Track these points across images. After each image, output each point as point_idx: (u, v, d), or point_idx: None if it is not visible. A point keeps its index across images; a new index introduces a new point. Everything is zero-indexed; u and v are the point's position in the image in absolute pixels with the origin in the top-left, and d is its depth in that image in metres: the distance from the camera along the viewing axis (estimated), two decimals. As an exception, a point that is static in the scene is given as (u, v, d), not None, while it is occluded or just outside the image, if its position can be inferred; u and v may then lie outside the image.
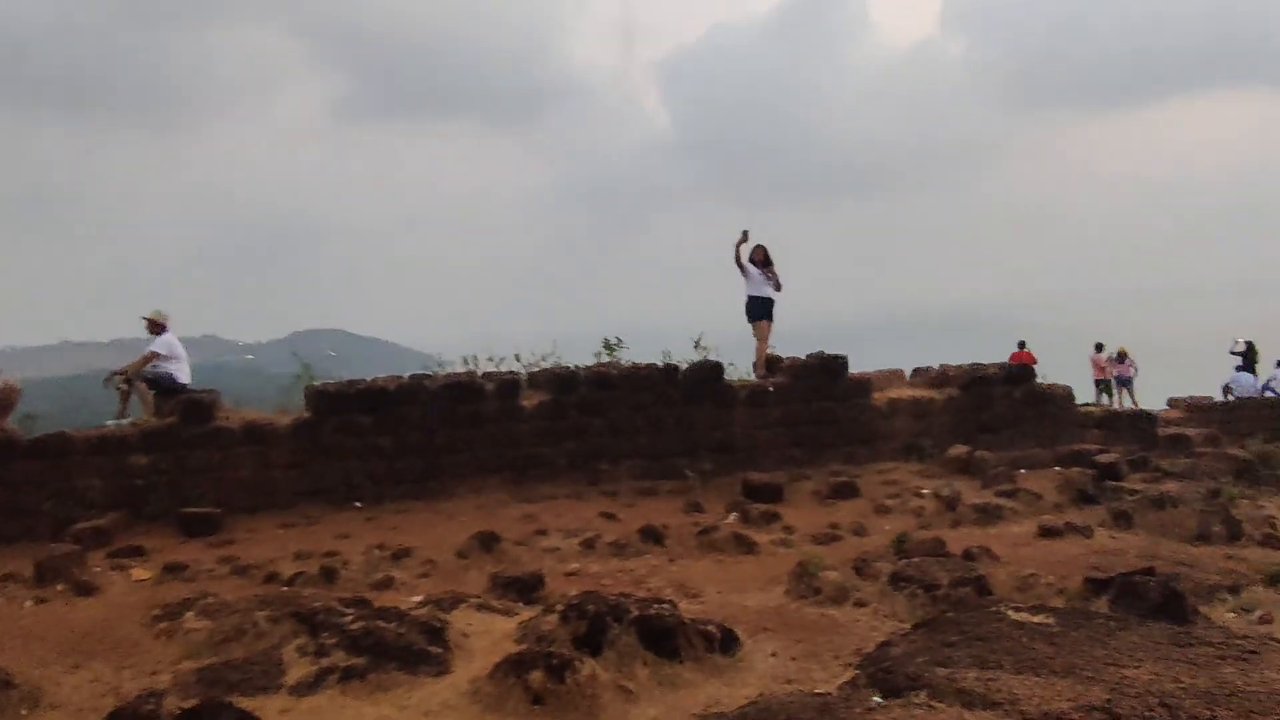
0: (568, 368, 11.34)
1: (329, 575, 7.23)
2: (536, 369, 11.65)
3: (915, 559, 6.99)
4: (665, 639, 4.92)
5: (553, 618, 5.19)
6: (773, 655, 5.24)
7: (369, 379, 10.83)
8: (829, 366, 11.53)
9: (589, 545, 8.04)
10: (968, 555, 7.15)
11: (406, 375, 10.99)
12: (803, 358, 11.73)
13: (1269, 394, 23.44)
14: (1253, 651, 3.90)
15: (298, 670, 4.86)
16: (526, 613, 5.70)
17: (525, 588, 6.62)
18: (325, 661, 4.86)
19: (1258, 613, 5.87)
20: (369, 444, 10.22)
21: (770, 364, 12.04)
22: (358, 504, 9.94)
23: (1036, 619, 4.94)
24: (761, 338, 12.12)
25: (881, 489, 10.01)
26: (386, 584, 7.06)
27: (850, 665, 5.01)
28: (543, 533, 8.55)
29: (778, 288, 12.22)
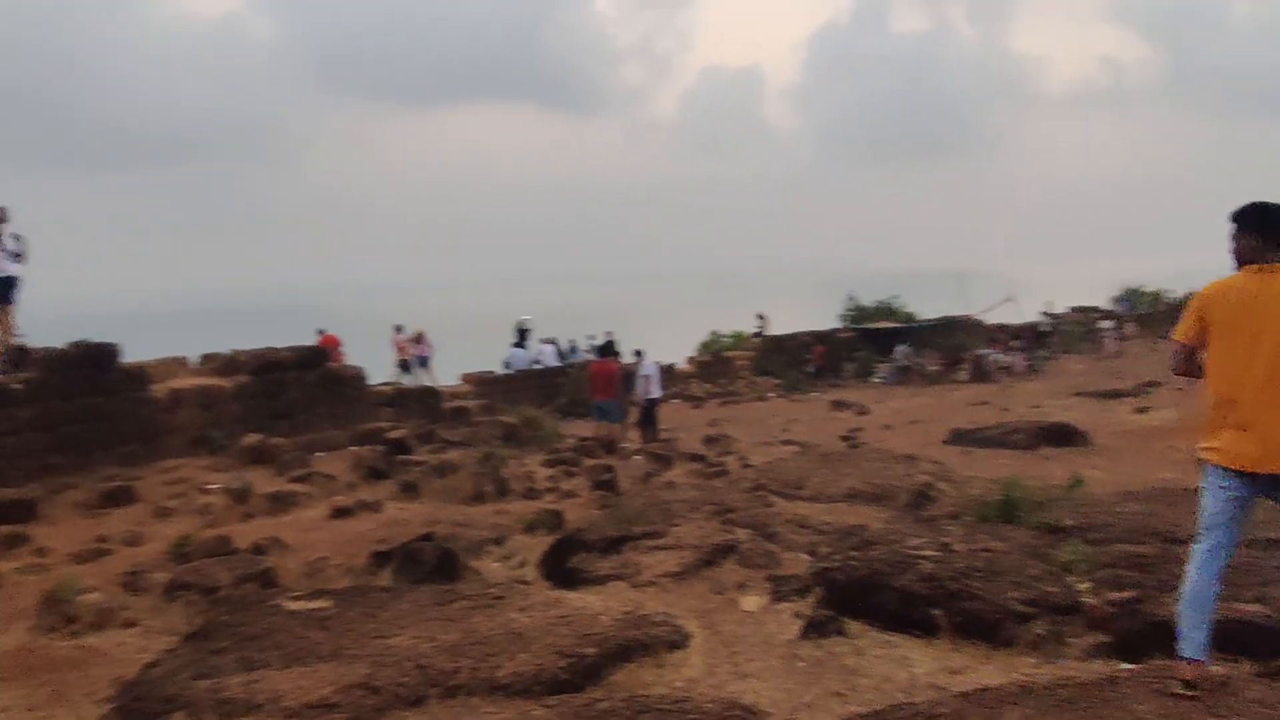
0: None
1: None
2: None
3: (197, 562, 6.47)
4: None
5: None
6: (3, 711, 4.30)
7: None
8: (95, 357, 10.03)
9: None
10: (257, 549, 6.84)
11: None
12: (61, 347, 10.01)
13: (537, 365, 27.43)
14: (499, 597, 4.28)
15: None
16: None
17: None
18: None
19: (516, 559, 6.58)
20: None
21: (19, 356, 10.01)
22: None
23: (314, 605, 4.82)
24: (3, 325, 9.95)
25: (164, 490, 9.08)
26: None
27: (107, 700, 4.34)
28: None
29: (18, 258, 9.95)
